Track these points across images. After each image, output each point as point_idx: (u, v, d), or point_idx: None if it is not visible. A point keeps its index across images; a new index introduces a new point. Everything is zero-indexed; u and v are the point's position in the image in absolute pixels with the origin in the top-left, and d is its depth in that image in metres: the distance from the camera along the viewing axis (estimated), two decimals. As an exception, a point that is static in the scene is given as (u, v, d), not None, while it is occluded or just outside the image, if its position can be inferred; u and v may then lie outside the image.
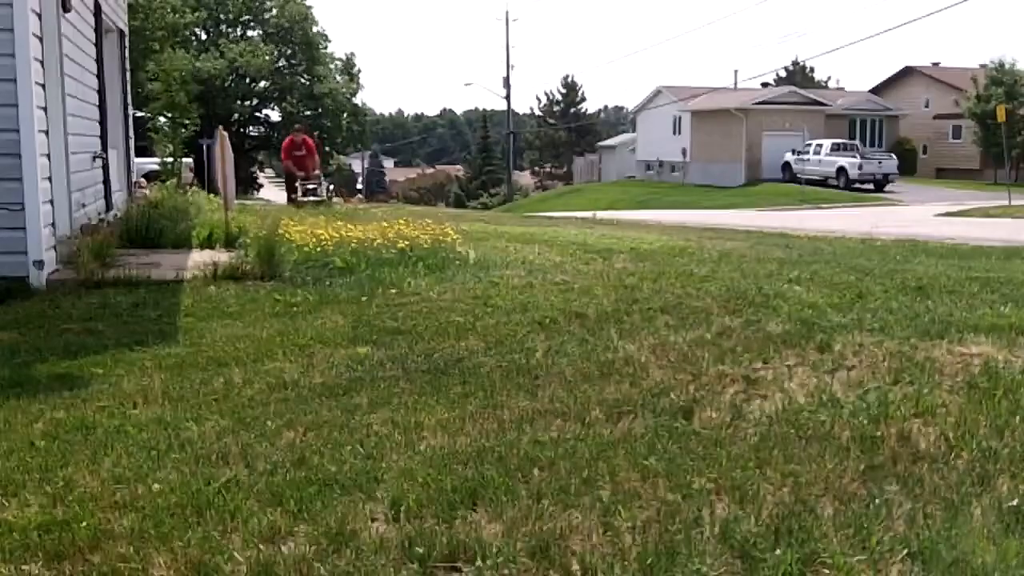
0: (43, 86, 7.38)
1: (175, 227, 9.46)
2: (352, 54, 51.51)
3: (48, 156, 7.46)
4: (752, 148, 46.54)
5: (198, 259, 7.94)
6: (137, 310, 6.11)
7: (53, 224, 7.64)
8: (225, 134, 9.34)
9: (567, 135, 71.15)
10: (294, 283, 6.89)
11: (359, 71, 56.94)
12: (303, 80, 53.80)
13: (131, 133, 13.60)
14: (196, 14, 48.55)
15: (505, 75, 57.82)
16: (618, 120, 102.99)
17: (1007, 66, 42.51)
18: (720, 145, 47.50)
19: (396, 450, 3.22)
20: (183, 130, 14.35)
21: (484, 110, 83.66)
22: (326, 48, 54.65)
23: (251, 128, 54.66)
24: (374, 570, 2.36)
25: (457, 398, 3.82)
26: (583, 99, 73.13)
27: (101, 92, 10.78)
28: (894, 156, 42.26)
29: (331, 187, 19.98)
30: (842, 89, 58.81)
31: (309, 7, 53.32)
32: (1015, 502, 2.61)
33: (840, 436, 3.18)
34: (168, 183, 13.44)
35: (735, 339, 4.54)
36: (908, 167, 44.80)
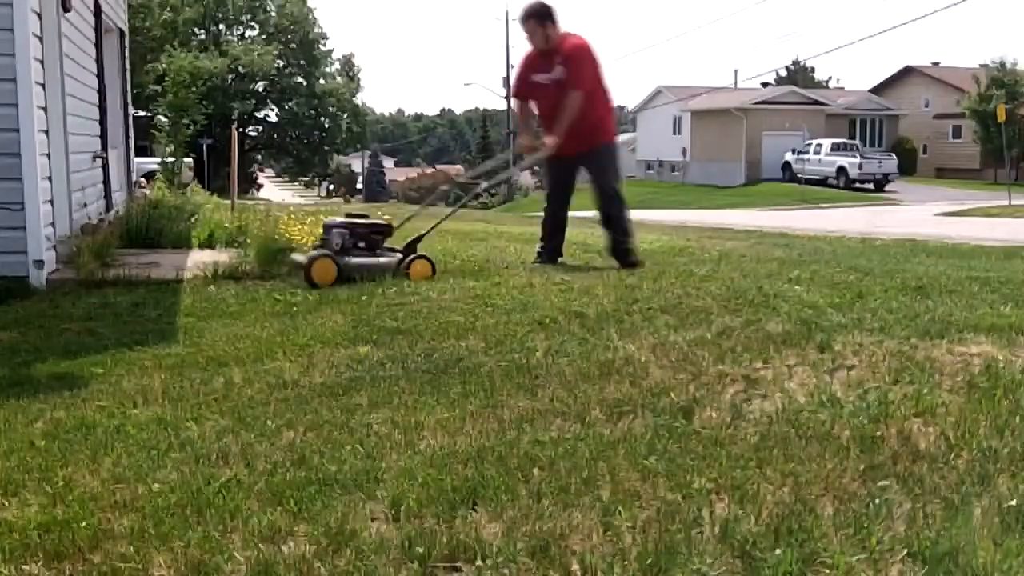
0: (43, 86, 7.39)
1: (175, 227, 9.48)
2: (352, 54, 51.66)
3: (48, 156, 7.47)
4: (752, 148, 46.57)
5: (198, 259, 7.94)
6: (137, 310, 6.11)
7: (53, 224, 7.64)
8: (235, 133, 9.40)
9: (567, 135, 71.03)
10: (294, 283, 6.89)
11: (359, 71, 56.91)
12: (302, 80, 53.73)
13: (131, 133, 13.61)
14: (193, 7, 48.37)
15: (505, 75, 57.97)
16: (618, 120, 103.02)
17: (1008, 66, 42.55)
18: (720, 145, 47.52)
19: (396, 450, 3.22)
20: (187, 129, 14.32)
21: (484, 110, 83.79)
22: (326, 46, 54.57)
23: (251, 128, 54.62)
24: (374, 570, 2.36)
25: (457, 398, 3.81)
26: (583, 99, 73.06)
27: (101, 92, 10.80)
28: (894, 156, 42.33)
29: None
30: (842, 89, 58.87)
31: (312, 8, 53.34)
32: (1015, 502, 2.60)
33: (840, 436, 3.17)
34: (158, 182, 13.39)
35: (735, 339, 4.54)
36: (908, 167, 44.85)
